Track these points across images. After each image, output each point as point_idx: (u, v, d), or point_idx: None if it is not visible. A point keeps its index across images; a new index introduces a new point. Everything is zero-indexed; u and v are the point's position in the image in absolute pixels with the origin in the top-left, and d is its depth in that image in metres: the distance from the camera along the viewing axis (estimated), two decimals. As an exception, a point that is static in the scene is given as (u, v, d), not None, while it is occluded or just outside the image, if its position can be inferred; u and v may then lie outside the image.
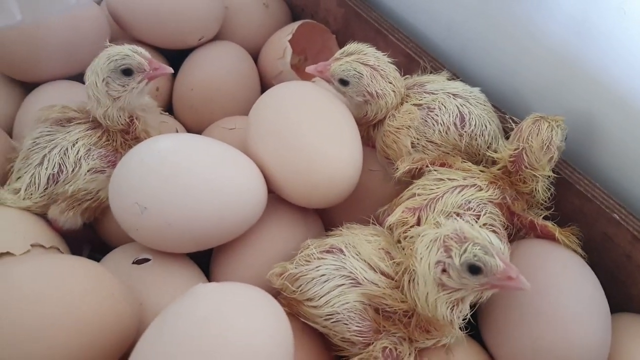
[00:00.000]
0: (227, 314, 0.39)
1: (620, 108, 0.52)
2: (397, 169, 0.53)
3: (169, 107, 0.73)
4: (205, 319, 0.39)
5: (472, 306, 0.46)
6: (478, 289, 0.42)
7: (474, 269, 0.41)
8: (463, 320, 0.45)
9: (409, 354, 0.45)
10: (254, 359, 0.38)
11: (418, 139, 0.54)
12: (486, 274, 0.41)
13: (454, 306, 0.43)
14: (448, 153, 0.55)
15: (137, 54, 0.53)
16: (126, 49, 0.53)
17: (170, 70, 0.55)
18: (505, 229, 0.52)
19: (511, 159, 0.51)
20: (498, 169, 0.52)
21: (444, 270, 0.42)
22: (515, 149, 0.51)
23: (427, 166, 0.53)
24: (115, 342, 0.44)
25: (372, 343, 0.46)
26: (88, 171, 0.54)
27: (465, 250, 0.41)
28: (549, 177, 0.51)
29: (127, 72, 0.53)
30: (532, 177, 0.51)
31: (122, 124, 0.56)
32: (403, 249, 0.48)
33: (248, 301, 0.41)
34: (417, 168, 0.53)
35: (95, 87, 0.54)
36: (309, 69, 0.56)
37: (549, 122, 0.50)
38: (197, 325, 0.38)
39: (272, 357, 0.39)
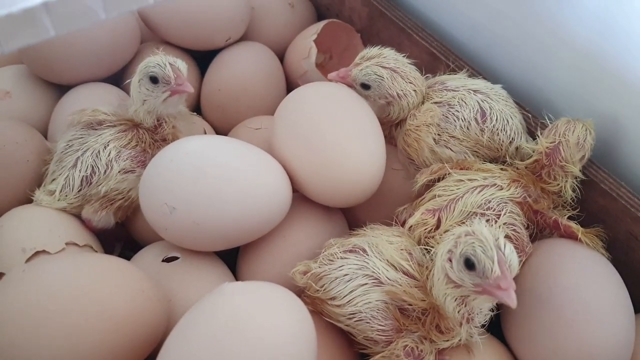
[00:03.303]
0: (252, 312, 0.40)
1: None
2: (416, 181, 0.54)
3: (196, 107, 0.74)
4: (231, 318, 0.40)
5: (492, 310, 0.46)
6: (473, 289, 0.42)
7: (469, 264, 0.41)
8: (481, 326, 0.46)
9: (430, 353, 0.46)
10: (278, 358, 0.39)
11: (439, 135, 0.55)
12: (479, 274, 0.41)
13: (460, 305, 0.44)
14: (471, 149, 0.55)
15: (169, 66, 0.55)
16: (165, 58, 0.55)
17: (191, 90, 0.56)
18: (527, 228, 0.52)
19: (548, 151, 0.51)
20: (528, 164, 0.52)
21: (450, 260, 0.42)
22: (552, 142, 0.51)
23: (447, 174, 0.53)
24: (145, 338, 0.45)
25: (394, 341, 0.46)
26: (119, 172, 0.56)
27: (466, 243, 0.41)
28: (577, 177, 0.52)
29: (153, 79, 0.55)
30: (563, 174, 0.51)
31: (149, 125, 0.58)
32: (427, 251, 0.48)
33: (273, 300, 0.42)
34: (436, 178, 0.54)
35: (134, 85, 0.56)
36: (331, 75, 0.57)
37: (583, 123, 0.51)
38: (223, 323, 0.39)
39: (296, 356, 0.40)
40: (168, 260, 0.53)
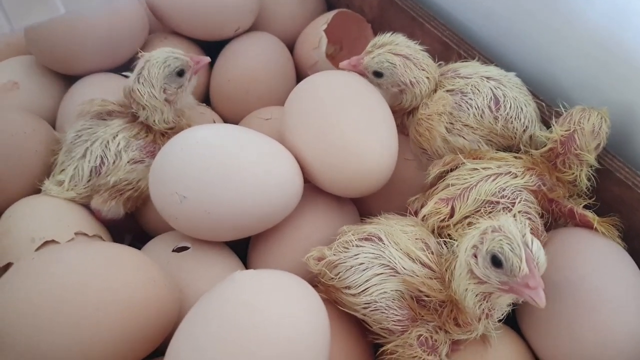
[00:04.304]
0: (264, 300, 0.40)
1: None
2: (429, 173, 0.53)
3: (206, 98, 0.73)
4: (243, 306, 0.39)
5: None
6: (498, 287, 0.41)
7: (496, 261, 0.40)
8: (498, 321, 0.45)
9: (444, 343, 0.45)
10: (291, 347, 0.39)
11: (452, 124, 0.54)
12: (506, 272, 0.40)
13: (481, 301, 0.43)
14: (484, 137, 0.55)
15: (178, 53, 0.55)
16: (166, 52, 0.55)
17: (208, 59, 0.57)
18: (542, 217, 0.51)
19: (562, 139, 0.51)
20: (543, 152, 0.52)
21: (475, 256, 0.42)
22: (567, 130, 0.50)
23: (461, 163, 0.52)
24: (157, 327, 0.45)
25: (409, 330, 0.46)
26: (128, 162, 0.55)
27: (493, 239, 0.40)
28: (592, 166, 0.51)
29: (181, 73, 0.55)
30: (578, 163, 0.51)
31: (170, 124, 0.57)
32: (444, 242, 0.48)
33: (285, 288, 0.41)
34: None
35: (154, 98, 0.55)
36: (343, 64, 0.56)
37: (599, 111, 0.50)
38: (235, 311, 0.39)
39: (309, 345, 0.40)
40: (178, 250, 0.52)
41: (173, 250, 0.52)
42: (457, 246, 0.45)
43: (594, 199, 0.52)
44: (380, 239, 0.47)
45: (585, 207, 0.51)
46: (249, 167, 0.50)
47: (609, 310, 0.45)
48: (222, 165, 0.49)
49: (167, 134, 0.58)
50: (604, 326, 0.45)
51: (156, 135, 0.57)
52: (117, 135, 0.56)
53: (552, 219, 0.52)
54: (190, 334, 0.40)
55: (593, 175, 0.52)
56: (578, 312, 0.46)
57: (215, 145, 0.51)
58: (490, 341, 0.47)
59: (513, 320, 0.50)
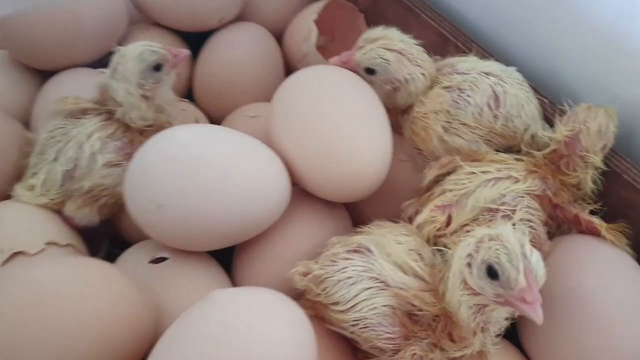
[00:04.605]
0: (246, 323, 0.37)
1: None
2: (425, 176, 0.51)
3: (188, 94, 0.70)
4: (222, 330, 0.37)
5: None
6: (493, 299, 0.39)
7: (492, 272, 0.38)
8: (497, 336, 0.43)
9: None
10: None
11: (449, 122, 0.52)
12: (502, 284, 0.38)
13: (475, 313, 0.41)
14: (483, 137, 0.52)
15: (155, 46, 0.52)
16: (141, 45, 0.52)
17: (187, 51, 0.54)
18: (546, 225, 0.49)
19: (567, 140, 0.48)
20: (546, 153, 0.50)
21: (469, 265, 0.40)
22: (571, 130, 0.48)
23: (458, 166, 0.50)
24: (129, 348, 0.42)
25: (402, 349, 0.43)
26: (103, 165, 0.52)
27: (489, 249, 0.38)
28: (598, 168, 0.49)
29: (158, 67, 0.53)
30: (583, 165, 0.48)
31: (153, 121, 0.55)
32: (438, 251, 0.45)
33: (268, 309, 0.39)
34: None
35: (130, 95, 0.52)
36: (332, 60, 0.54)
37: (605, 110, 0.48)
38: (213, 336, 0.37)
39: None
40: (156, 261, 0.50)
41: (150, 262, 0.49)
42: (451, 255, 0.43)
43: (600, 203, 0.50)
44: (369, 250, 0.45)
45: (591, 212, 0.49)
46: (232, 172, 0.47)
47: (617, 326, 0.43)
48: (203, 170, 0.47)
49: (145, 132, 0.54)
50: (612, 344, 0.43)
51: (134, 135, 0.54)
52: (91, 136, 0.53)
53: (556, 226, 0.50)
54: (167, 358, 0.37)
55: (599, 178, 0.50)
56: (584, 328, 0.44)
57: (195, 148, 0.48)
58: (488, 358, 0.44)
59: (514, 335, 0.48)
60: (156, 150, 0.48)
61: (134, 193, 0.48)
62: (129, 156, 0.52)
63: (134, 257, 0.51)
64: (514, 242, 0.38)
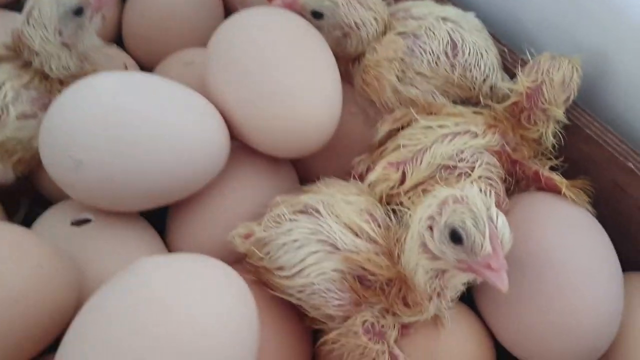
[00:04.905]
0: (174, 296, 0.34)
1: (639, 42, 0.47)
2: (377, 131, 0.49)
3: (117, 38, 0.65)
4: (147, 305, 0.33)
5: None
6: (455, 265, 0.37)
7: (455, 237, 0.36)
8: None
9: (392, 327, 0.41)
10: (206, 350, 0.33)
11: (404, 72, 0.50)
12: (466, 250, 0.36)
13: (432, 278, 0.39)
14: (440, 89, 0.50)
15: None
16: None
17: None
18: (504, 182, 0.47)
19: (528, 92, 0.47)
20: (507, 106, 0.48)
21: (430, 228, 0.38)
22: (534, 81, 0.46)
23: (413, 120, 0.48)
24: (46, 323, 0.38)
25: (352, 316, 0.41)
26: (17, 117, 0.48)
27: (454, 212, 0.36)
28: (559, 122, 0.47)
29: (79, 11, 0.48)
30: (545, 118, 0.47)
31: (76, 69, 0.50)
32: (393, 212, 0.43)
33: (203, 280, 0.35)
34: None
35: (48, 42, 0.48)
36: (276, 2, 0.50)
37: (569, 60, 0.47)
38: (136, 312, 0.33)
39: (231, 343, 0.34)
40: (78, 223, 0.46)
41: (72, 224, 0.45)
42: (409, 216, 0.41)
43: (560, 159, 0.48)
44: (317, 211, 0.42)
45: (551, 168, 0.48)
46: (161, 125, 0.44)
47: (576, 288, 0.42)
48: (128, 122, 0.43)
49: (67, 82, 0.50)
50: (572, 306, 0.42)
51: (53, 85, 0.50)
52: (4, 85, 0.48)
53: (514, 182, 0.48)
54: (84, 336, 0.34)
55: (560, 132, 0.48)
56: (542, 290, 0.42)
57: (119, 98, 0.44)
58: (444, 323, 0.43)
59: (470, 297, 0.46)
60: (73, 100, 0.44)
61: (49, 149, 0.44)
62: (45, 107, 0.48)
63: (53, 219, 0.47)
64: (480, 205, 0.36)
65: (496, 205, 0.43)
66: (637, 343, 0.43)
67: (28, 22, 0.48)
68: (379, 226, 0.42)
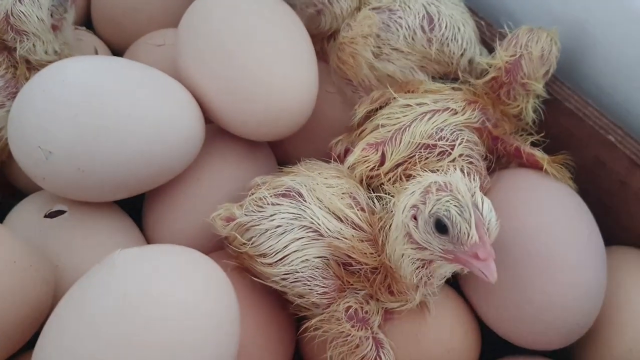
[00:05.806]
0: (152, 290, 0.33)
1: (619, 12, 0.47)
2: (355, 114, 0.48)
3: (86, 21, 0.63)
4: (124, 299, 0.32)
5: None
6: (441, 255, 0.36)
7: (440, 227, 0.35)
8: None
9: (376, 313, 0.40)
10: (186, 343, 0.32)
11: (380, 48, 0.49)
12: (452, 240, 0.35)
13: (419, 268, 0.38)
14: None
15: None
16: None
17: None
18: (485, 159, 0.46)
19: (507, 66, 0.46)
20: (486, 82, 0.47)
21: (414, 218, 0.37)
22: (512, 55, 0.46)
23: (392, 99, 0.47)
24: (20, 320, 0.37)
25: (336, 302, 0.40)
26: None
27: (439, 200, 0.35)
28: (539, 96, 0.47)
29: None
30: (525, 93, 0.46)
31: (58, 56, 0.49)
32: (378, 197, 0.42)
33: (181, 272, 0.35)
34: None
35: (42, 23, 0.47)
36: None
37: (548, 32, 0.46)
38: (113, 307, 0.32)
39: (211, 339, 0.34)
40: (52, 215, 0.44)
41: (45, 216, 0.44)
42: (393, 203, 0.40)
43: (541, 134, 0.47)
44: (300, 195, 0.41)
45: (532, 144, 0.47)
46: (133, 110, 0.42)
47: (559, 265, 0.41)
48: (98, 110, 0.41)
49: (35, 69, 0.48)
50: (555, 283, 0.41)
51: (21, 72, 0.48)
52: None
53: (495, 159, 0.47)
54: (62, 332, 0.33)
55: (540, 107, 0.48)
56: (526, 268, 0.42)
57: (88, 85, 0.42)
58: (430, 308, 0.42)
59: (454, 278, 0.45)
60: (42, 87, 0.42)
61: (18, 140, 0.42)
62: (13, 95, 0.47)
63: (26, 212, 0.45)
64: (465, 192, 0.35)
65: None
66: (622, 317, 0.43)
67: (21, 2, 0.46)
68: (363, 210, 0.41)
